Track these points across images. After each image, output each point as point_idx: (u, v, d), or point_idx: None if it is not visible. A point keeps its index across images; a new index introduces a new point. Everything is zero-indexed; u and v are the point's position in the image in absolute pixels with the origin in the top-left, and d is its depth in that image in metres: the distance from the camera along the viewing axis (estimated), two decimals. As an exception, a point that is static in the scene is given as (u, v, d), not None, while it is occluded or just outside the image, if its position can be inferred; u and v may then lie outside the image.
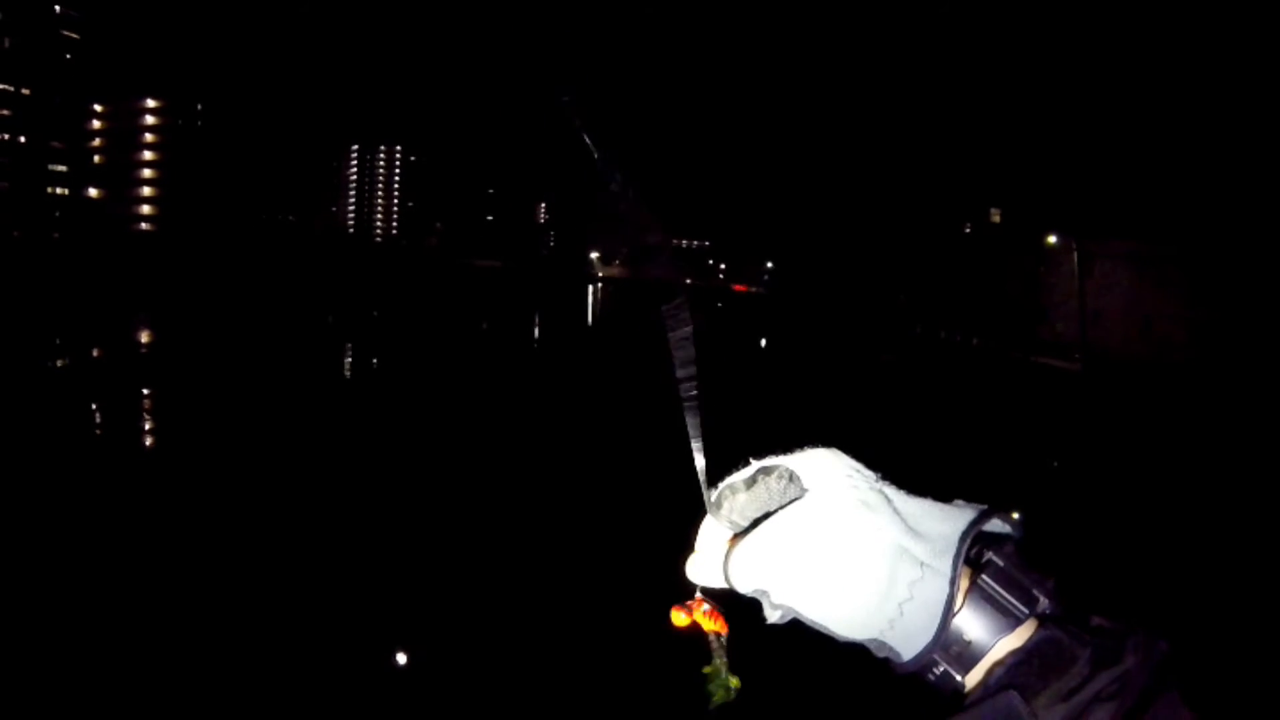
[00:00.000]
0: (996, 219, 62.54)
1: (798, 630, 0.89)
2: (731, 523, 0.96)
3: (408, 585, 11.39)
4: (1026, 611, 0.85)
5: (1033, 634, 0.85)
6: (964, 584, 0.86)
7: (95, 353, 34.79)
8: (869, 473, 0.93)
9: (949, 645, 0.85)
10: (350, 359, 38.15)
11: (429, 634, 10.21)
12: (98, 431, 21.82)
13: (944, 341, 58.90)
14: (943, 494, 0.81)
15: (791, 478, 0.93)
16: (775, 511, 0.90)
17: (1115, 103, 52.91)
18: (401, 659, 9.75)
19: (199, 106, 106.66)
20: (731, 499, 0.96)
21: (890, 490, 0.92)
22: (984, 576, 0.87)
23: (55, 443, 18.79)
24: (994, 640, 0.85)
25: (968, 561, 0.87)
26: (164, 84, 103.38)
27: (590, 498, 15.69)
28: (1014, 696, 0.80)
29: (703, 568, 0.98)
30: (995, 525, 0.90)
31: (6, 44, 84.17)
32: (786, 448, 0.95)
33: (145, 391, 26.61)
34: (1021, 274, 54.59)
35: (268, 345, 39.00)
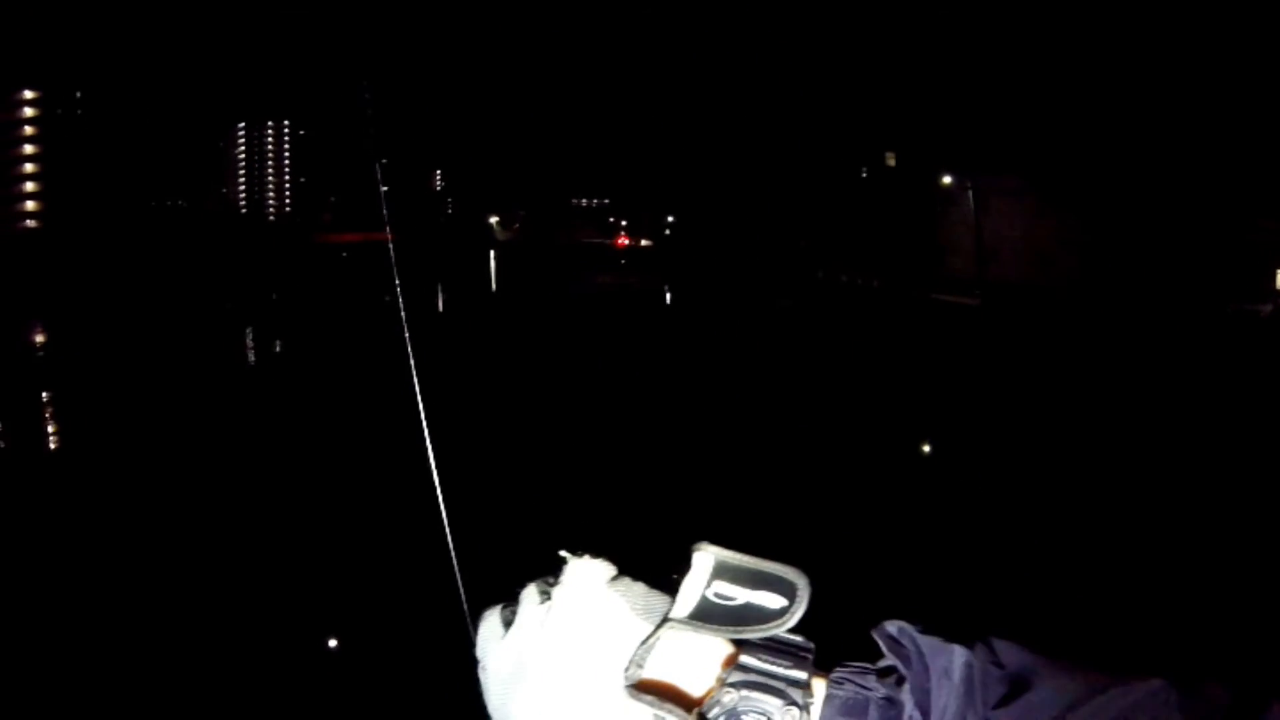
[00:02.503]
0: (892, 162, 63.68)
1: None
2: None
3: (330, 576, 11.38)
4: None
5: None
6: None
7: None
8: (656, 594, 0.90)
9: None
10: (253, 344, 37.69)
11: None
12: (0, 440, 21.39)
13: (845, 285, 60.02)
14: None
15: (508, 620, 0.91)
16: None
17: (999, 40, 54.11)
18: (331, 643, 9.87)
19: (77, 94, 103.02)
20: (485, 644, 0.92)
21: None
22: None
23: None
24: None
25: None
26: (39, 74, 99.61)
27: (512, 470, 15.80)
28: None
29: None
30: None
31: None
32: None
33: (45, 395, 26.03)
34: (918, 215, 55.86)
35: (166, 336, 38.29)
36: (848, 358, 31.51)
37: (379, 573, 10.77)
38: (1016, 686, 0.75)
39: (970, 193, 49.68)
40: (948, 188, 53.89)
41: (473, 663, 0.87)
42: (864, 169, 67.13)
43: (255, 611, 10.03)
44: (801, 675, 0.78)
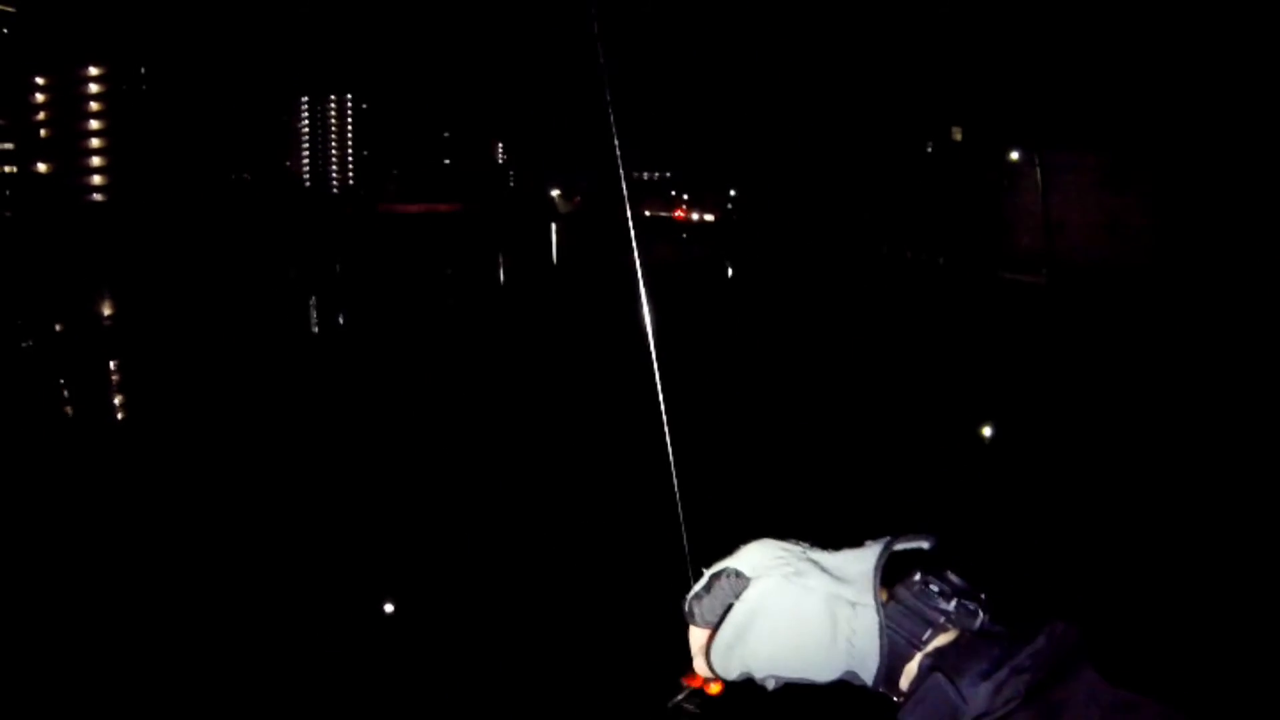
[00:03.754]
0: (958, 137, 62.37)
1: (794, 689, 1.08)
2: (706, 623, 1.14)
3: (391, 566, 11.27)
4: (938, 619, 1.02)
5: (947, 639, 1.01)
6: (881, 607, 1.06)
7: (58, 329, 34.42)
8: (796, 547, 1.12)
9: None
10: (317, 315, 37.88)
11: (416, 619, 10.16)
12: (71, 410, 21.62)
13: (910, 261, 59.08)
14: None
15: (737, 574, 1.11)
16: (732, 605, 1.10)
17: (1066, 11, 52.62)
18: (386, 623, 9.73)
19: (142, 70, 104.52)
20: (700, 605, 1.15)
21: (815, 554, 1.11)
22: (894, 598, 1.06)
23: (33, 424, 18.59)
24: (909, 656, 1.02)
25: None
26: (105, 50, 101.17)
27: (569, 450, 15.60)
28: (938, 677, 0.95)
29: (702, 667, 1.16)
30: (909, 545, 1.10)
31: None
32: (728, 547, 1.15)
33: (114, 365, 26.32)
34: (984, 191, 54.69)
35: (231, 306, 38.65)
36: (910, 336, 30.90)
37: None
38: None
39: (1037, 168, 48.47)
40: (1014, 163, 52.64)
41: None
42: (930, 143, 65.87)
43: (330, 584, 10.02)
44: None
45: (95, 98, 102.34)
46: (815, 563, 1.10)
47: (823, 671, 1.06)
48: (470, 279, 53.11)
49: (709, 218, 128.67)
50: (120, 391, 23.76)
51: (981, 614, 1.02)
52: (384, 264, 62.14)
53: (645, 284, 1.30)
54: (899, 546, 1.10)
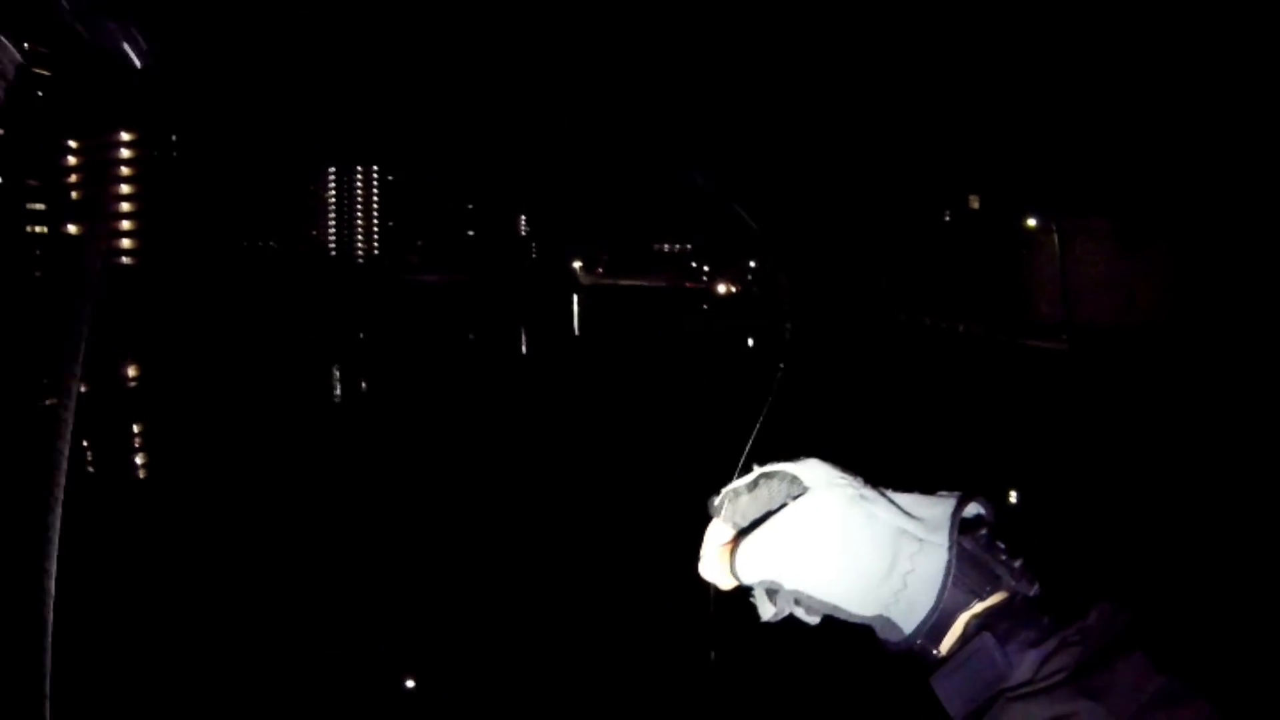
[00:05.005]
0: (975, 205, 62.74)
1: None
2: (735, 524, 1.05)
3: (419, 602, 11.33)
4: (1003, 575, 0.96)
5: (999, 600, 0.95)
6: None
7: (82, 390, 34.65)
8: (857, 478, 1.03)
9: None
10: (340, 380, 38.07)
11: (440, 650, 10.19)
12: (92, 468, 21.74)
13: (929, 328, 59.05)
14: (936, 482, 0.98)
15: (792, 480, 1.03)
16: (777, 510, 1.01)
17: (1084, 84, 53.15)
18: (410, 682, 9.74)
19: (173, 137, 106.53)
20: (734, 501, 1.06)
21: (883, 490, 1.03)
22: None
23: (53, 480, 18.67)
24: (962, 610, 0.95)
25: None
26: (137, 116, 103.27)
27: (593, 508, 15.66)
28: (987, 637, 0.91)
29: (713, 568, 1.07)
30: (972, 510, 1.02)
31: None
32: (784, 456, 1.06)
33: (136, 427, 26.51)
34: (1003, 258, 54.85)
35: (256, 372, 38.90)
36: (931, 406, 30.72)
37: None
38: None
39: (1055, 234, 48.65)
40: (1031, 229, 52.87)
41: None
42: (947, 212, 66.30)
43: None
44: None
45: (126, 162, 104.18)
46: (882, 494, 1.03)
47: (860, 604, 0.98)
48: (492, 349, 53.32)
49: (729, 289, 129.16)
50: (141, 452, 23.93)
51: (1038, 584, 0.96)
52: (407, 333, 62.54)
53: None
54: (971, 506, 1.02)
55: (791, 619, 1.02)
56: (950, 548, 0.97)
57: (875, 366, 43.27)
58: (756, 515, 1.04)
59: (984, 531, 1.00)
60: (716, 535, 1.08)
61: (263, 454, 21.53)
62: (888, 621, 0.98)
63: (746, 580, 1.01)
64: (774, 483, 1.05)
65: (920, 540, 0.97)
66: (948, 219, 66.20)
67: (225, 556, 13.11)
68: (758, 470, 1.07)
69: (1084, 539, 13.80)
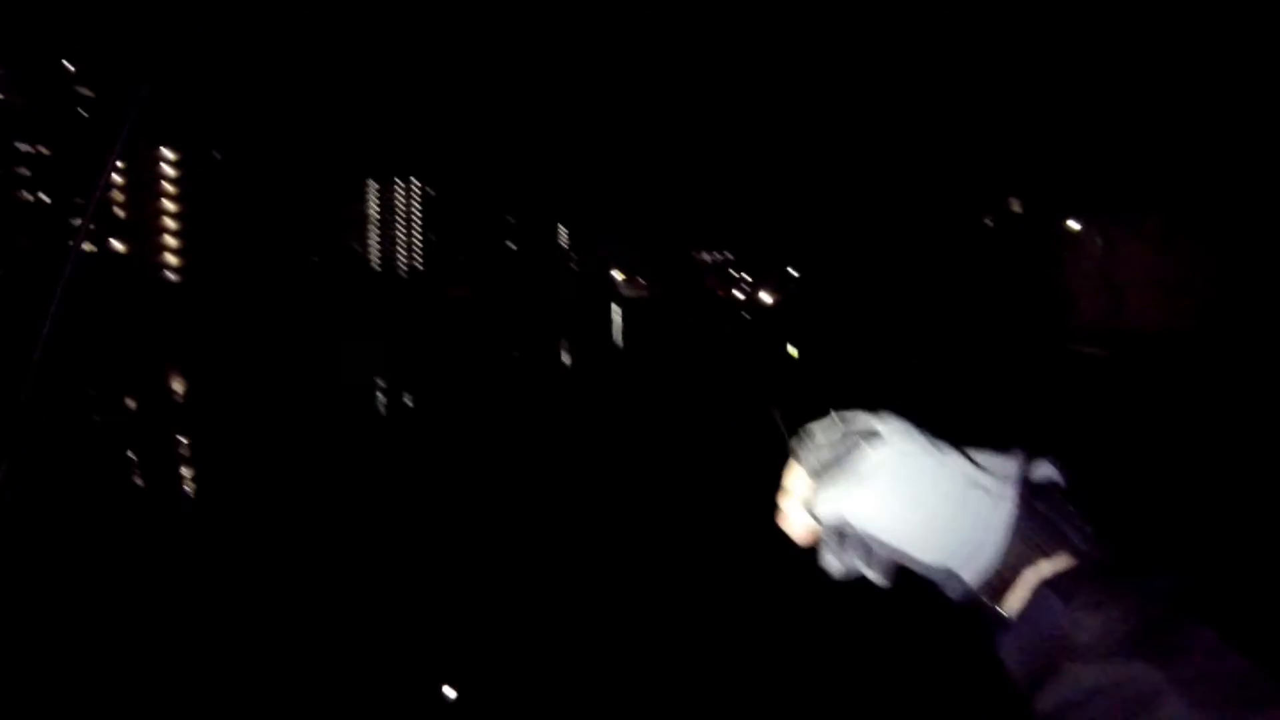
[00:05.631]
0: (1017, 209, 62.11)
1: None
2: (812, 469, 1.09)
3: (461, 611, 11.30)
4: (1071, 536, 0.97)
5: (1067, 561, 0.94)
6: None
7: (130, 405, 35.11)
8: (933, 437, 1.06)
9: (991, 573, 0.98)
10: (384, 394, 38.22)
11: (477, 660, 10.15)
12: (143, 483, 21.95)
13: (975, 336, 58.44)
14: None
15: (870, 431, 1.07)
16: (854, 452, 1.05)
17: (1124, 84, 52.48)
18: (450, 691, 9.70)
19: (216, 155, 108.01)
20: (813, 445, 1.10)
21: (959, 446, 1.06)
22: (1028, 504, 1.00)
23: (106, 495, 18.90)
24: (1027, 567, 0.96)
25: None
26: (180, 134, 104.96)
27: (635, 520, 15.59)
28: (1050, 596, 0.90)
29: (792, 510, 1.11)
30: (1044, 473, 1.05)
31: (21, 104, 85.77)
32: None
33: (184, 441, 26.76)
34: (1046, 261, 54.27)
35: (301, 385, 39.20)
36: (976, 413, 30.32)
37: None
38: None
39: (1097, 237, 48.04)
40: (1074, 232, 52.20)
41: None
42: (989, 216, 65.68)
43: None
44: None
45: (168, 179, 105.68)
46: (961, 450, 1.06)
47: (929, 551, 1.00)
48: (534, 362, 53.35)
49: (771, 298, 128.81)
50: (190, 466, 24.13)
51: (1107, 549, 0.97)
52: (450, 347, 62.77)
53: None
54: (1044, 467, 1.06)
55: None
56: (1016, 500, 0.99)
57: (918, 374, 42.86)
58: (832, 459, 1.07)
59: (1057, 495, 1.03)
60: (795, 480, 1.11)
61: (307, 467, 21.61)
62: (952, 574, 0.99)
63: (823, 519, 1.04)
64: (851, 427, 1.09)
65: (988, 491, 1.00)
66: (989, 224, 65.59)
67: (271, 568, 13.16)
68: (833, 415, 1.11)
69: (1135, 546, 13.51)
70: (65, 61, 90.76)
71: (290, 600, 11.89)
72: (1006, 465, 1.04)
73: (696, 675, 9.16)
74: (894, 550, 1.01)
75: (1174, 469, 19.83)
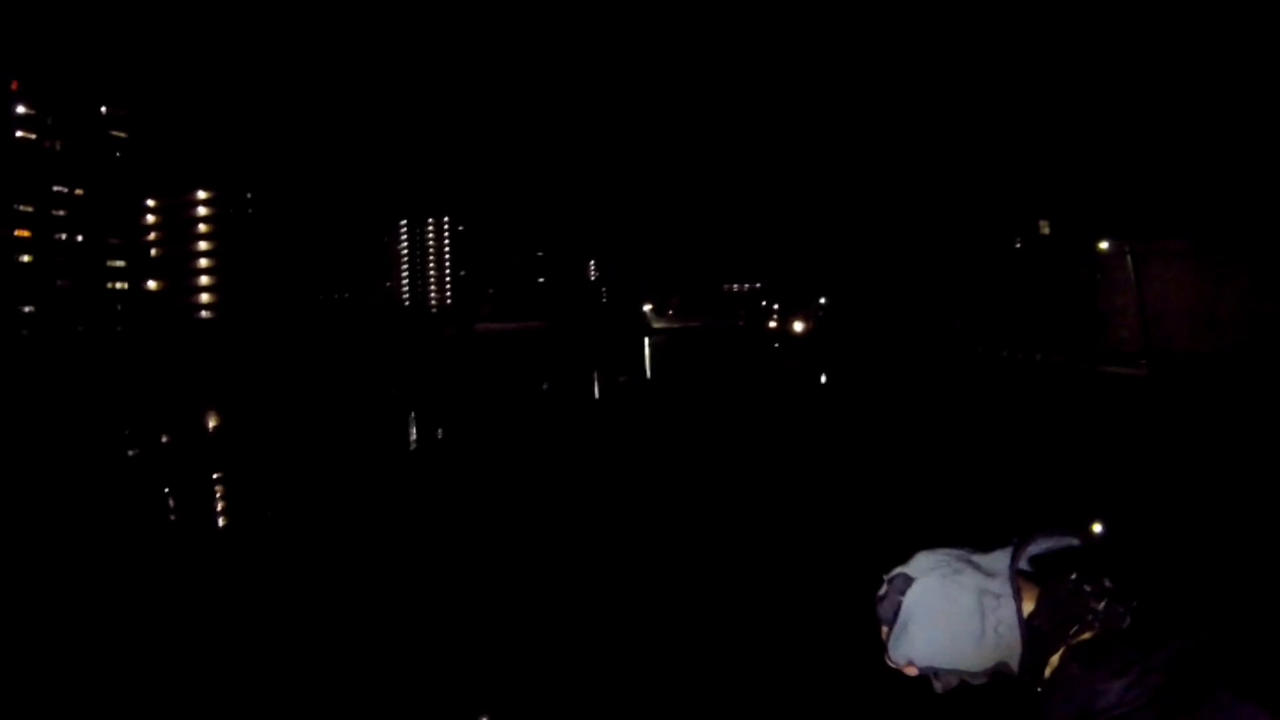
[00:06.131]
0: (1046, 230, 61.77)
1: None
2: (885, 621, 1.30)
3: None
4: (1085, 617, 1.14)
5: (1089, 634, 1.13)
6: (1031, 600, 1.22)
7: (164, 440, 35.40)
8: (958, 551, 1.29)
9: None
10: (417, 431, 38.23)
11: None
12: (174, 517, 22.09)
13: (1006, 360, 58.04)
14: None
15: (905, 577, 1.28)
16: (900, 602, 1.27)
17: (1151, 103, 52.21)
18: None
19: (249, 195, 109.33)
20: (879, 606, 1.30)
21: (974, 556, 1.28)
22: (1047, 593, 1.20)
23: (137, 530, 19.05)
24: (1057, 644, 1.15)
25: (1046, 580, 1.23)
26: (214, 175, 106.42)
27: (667, 551, 15.57)
28: (1075, 668, 1.08)
29: (889, 659, 1.31)
30: (1049, 544, 1.25)
31: (58, 146, 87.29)
32: (901, 558, 1.32)
33: (217, 476, 26.89)
34: (1078, 283, 53.83)
35: (334, 423, 39.31)
36: (1012, 436, 30.05)
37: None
38: None
39: (1129, 257, 47.59)
40: (1105, 254, 51.72)
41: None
42: (1018, 239, 65.32)
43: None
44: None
45: (203, 220, 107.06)
46: (970, 562, 1.27)
47: (976, 661, 1.21)
48: (566, 395, 53.32)
49: (800, 327, 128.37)
50: (223, 500, 24.25)
51: (1129, 618, 1.12)
52: (482, 381, 62.85)
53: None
54: (1038, 548, 1.24)
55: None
56: (1014, 596, 1.19)
57: (956, 400, 42.62)
58: (894, 610, 1.27)
59: (1073, 575, 1.18)
60: (883, 634, 1.31)
61: (341, 502, 21.65)
62: (1005, 666, 1.20)
63: (900, 667, 1.27)
64: (896, 581, 1.29)
65: (997, 596, 1.21)
66: (1019, 246, 65.24)
67: (304, 601, 13.20)
68: (885, 578, 1.32)
69: (1170, 567, 13.33)
70: (102, 106, 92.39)
71: (322, 630, 11.91)
72: (1001, 561, 1.24)
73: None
74: (950, 670, 1.23)
75: (1211, 487, 19.57)
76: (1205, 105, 47.60)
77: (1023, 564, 1.24)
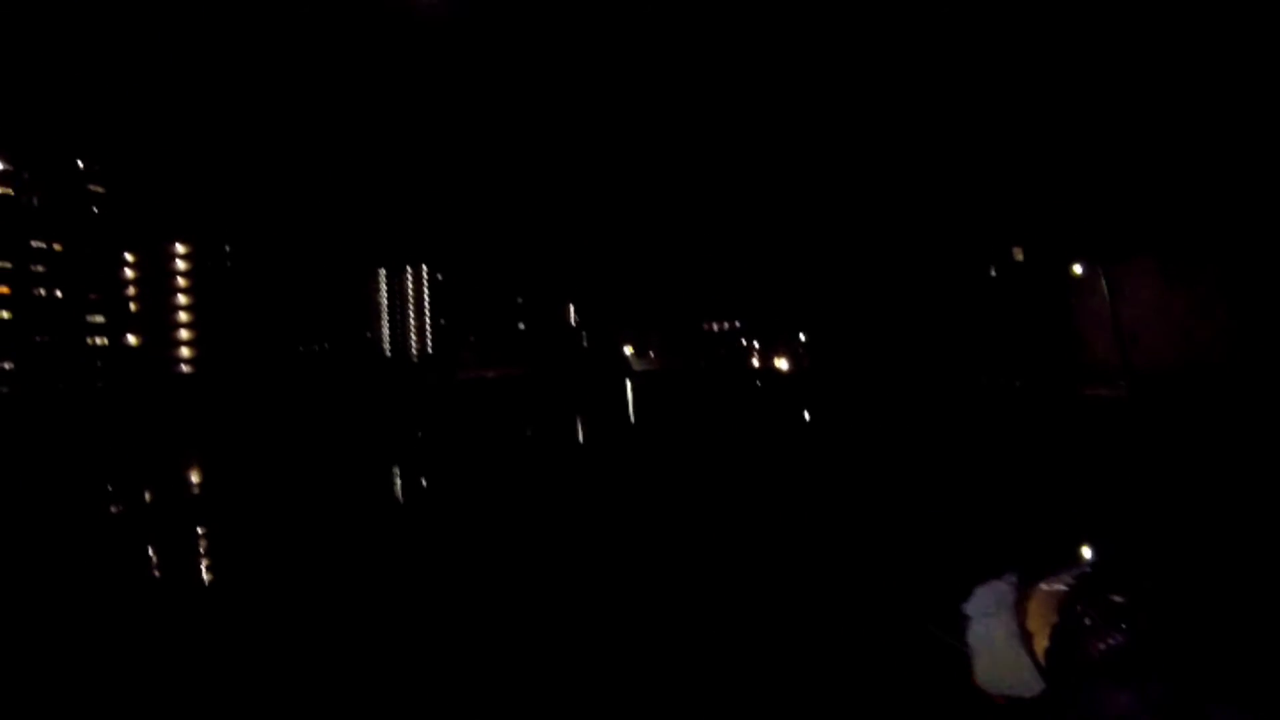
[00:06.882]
0: (1020, 256, 62.27)
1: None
2: (968, 653, 1.51)
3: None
4: (1091, 642, 1.31)
5: (1097, 656, 1.29)
6: (1040, 635, 1.42)
7: (147, 497, 35.19)
8: (1006, 581, 1.53)
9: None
10: (402, 479, 38.05)
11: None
12: (159, 573, 21.93)
13: (986, 387, 58.26)
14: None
15: (966, 616, 1.51)
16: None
17: (1115, 121, 52.87)
18: None
19: (227, 247, 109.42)
20: (962, 638, 1.50)
21: (1013, 580, 1.52)
22: (1062, 620, 1.39)
23: (124, 586, 18.93)
24: (1074, 669, 1.32)
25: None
26: (191, 227, 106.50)
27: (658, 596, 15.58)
28: (1085, 686, 1.25)
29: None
30: (1059, 584, 1.46)
31: (35, 202, 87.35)
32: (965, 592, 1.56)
33: (201, 531, 26.71)
34: (1053, 307, 54.31)
35: (317, 473, 39.13)
36: (998, 464, 30.09)
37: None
38: None
39: (1102, 278, 48.01)
40: (1079, 276, 52.21)
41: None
42: (992, 267, 65.83)
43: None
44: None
45: (182, 273, 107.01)
46: (1002, 599, 1.48)
47: (1022, 688, 1.40)
48: (549, 440, 53.18)
49: (782, 365, 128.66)
50: (207, 557, 24.09)
51: (1132, 635, 1.29)
52: (465, 429, 62.67)
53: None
54: (1049, 586, 1.45)
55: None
56: (1024, 641, 1.40)
57: (939, 431, 42.69)
58: (965, 647, 1.49)
59: (1078, 607, 1.36)
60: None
61: (326, 555, 21.51)
62: (1039, 690, 1.38)
63: (986, 689, 1.47)
64: (963, 620, 1.51)
65: (1018, 635, 1.41)
66: (993, 274, 65.74)
67: (290, 657, 13.12)
68: (962, 609, 1.53)
69: (1168, 584, 13.32)
70: (78, 160, 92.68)
71: (310, 683, 11.86)
72: (1005, 596, 1.47)
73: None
74: (1011, 693, 1.41)
75: (1199, 505, 19.67)
76: (1171, 121, 48.25)
77: (1039, 591, 1.43)
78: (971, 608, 1.51)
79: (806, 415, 60.41)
